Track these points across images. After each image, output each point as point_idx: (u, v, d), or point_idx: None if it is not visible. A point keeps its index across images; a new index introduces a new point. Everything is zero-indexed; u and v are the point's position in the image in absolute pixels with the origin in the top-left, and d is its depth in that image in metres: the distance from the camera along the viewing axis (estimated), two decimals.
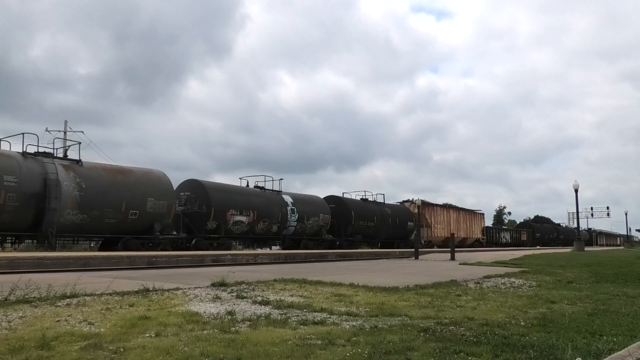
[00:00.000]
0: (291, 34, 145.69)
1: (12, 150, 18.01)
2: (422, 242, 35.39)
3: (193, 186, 23.68)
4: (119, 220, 19.48)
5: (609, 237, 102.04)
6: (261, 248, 27.24)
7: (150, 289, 6.72)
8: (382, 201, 35.88)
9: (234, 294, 6.70)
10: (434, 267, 15.06)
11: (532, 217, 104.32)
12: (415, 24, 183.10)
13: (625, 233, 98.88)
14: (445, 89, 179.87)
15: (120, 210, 19.47)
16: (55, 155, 19.20)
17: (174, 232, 22.59)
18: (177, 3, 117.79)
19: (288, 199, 27.63)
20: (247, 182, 27.56)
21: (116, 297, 6.00)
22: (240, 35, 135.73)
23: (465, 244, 44.74)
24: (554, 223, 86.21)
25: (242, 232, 24.92)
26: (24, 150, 18.03)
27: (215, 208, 23.15)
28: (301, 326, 4.62)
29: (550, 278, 11.12)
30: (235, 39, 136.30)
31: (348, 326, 4.68)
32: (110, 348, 3.63)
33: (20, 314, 4.83)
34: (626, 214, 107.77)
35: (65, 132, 41.09)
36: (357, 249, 29.50)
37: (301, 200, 28.63)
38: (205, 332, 4.25)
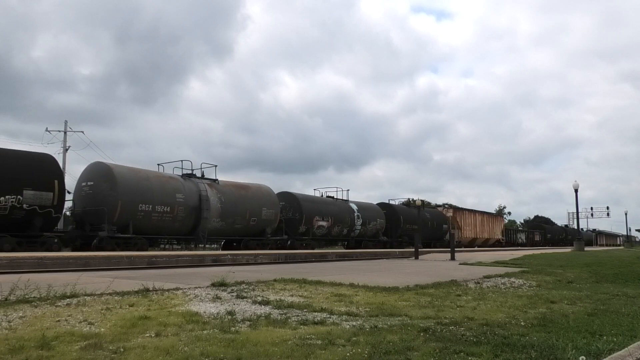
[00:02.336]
0: (292, 35, 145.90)
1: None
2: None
3: (287, 197, 28.82)
4: (243, 226, 24.61)
5: (609, 237, 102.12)
6: (332, 248, 32.14)
7: (150, 289, 6.72)
8: (422, 206, 40.54)
9: (234, 294, 6.70)
10: (434, 267, 15.06)
11: (532, 217, 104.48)
12: (415, 24, 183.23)
13: (625, 233, 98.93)
14: (445, 89, 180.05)
15: (245, 217, 24.56)
16: (202, 176, 24.09)
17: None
18: (179, 4, 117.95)
19: (354, 207, 32.94)
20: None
21: (116, 297, 6.00)
22: (242, 36, 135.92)
23: (488, 244, 49.80)
24: (558, 224, 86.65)
25: (322, 234, 30.11)
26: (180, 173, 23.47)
27: (305, 215, 28.45)
28: (301, 326, 4.62)
29: (550, 278, 11.11)
30: (237, 39, 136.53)
31: (348, 326, 4.68)
32: (110, 348, 3.63)
33: (20, 314, 4.83)
34: (626, 214, 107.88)
35: (65, 132, 41.12)
36: (404, 248, 33.00)
37: (363, 208, 33.83)
38: (205, 332, 4.25)
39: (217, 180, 24.35)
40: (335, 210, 31.09)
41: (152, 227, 20.68)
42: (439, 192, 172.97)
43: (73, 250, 18.42)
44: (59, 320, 4.60)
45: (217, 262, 16.55)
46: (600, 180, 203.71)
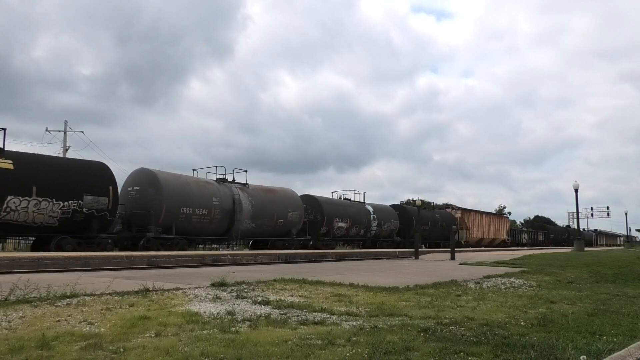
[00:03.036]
0: (292, 35, 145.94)
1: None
2: (462, 242, 43.99)
3: (309, 200, 30.29)
4: (271, 227, 26.14)
5: (610, 237, 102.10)
6: (350, 247, 33.40)
7: (150, 289, 6.72)
8: (432, 208, 44.23)
9: (234, 294, 6.69)
10: (434, 267, 15.05)
11: (532, 217, 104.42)
12: (415, 24, 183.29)
13: (625, 233, 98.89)
14: (445, 89, 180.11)
15: (273, 219, 26.06)
16: (232, 180, 25.63)
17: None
18: (179, 4, 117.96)
19: (370, 209, 34.57)
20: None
21: (116, 297, 5.99)
22: (242, 36, 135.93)
23: (494, 243, 51.51)
24: (558, 224, 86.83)
25: (342, 235, 31.91)
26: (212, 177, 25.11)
27: (327, 217, 30.16)
28: (301, 326, 4.62)
29: (550, 278, 11.11)
30: (237, 39, 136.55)
31: (348, 326, 4.68)
32: (110, 348, 3.63)
33: (20, 314, 4.82)
34: (626, 214, 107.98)
35: (65, 132, 41.13)
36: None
37: (379, 209, 35.60)
38: (205, 332, 4.25)
39: (247, 184, 26.03)
40: (353, 212, 32.82)
41: (191, 228, 22.24)
42: (439, 192, 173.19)
43: (121, 250, 19.63)
44: (59, 320, 4.59)
45: (217, 262, 16.54)
46: (600, 180, 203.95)
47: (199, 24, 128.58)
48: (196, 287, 7.31)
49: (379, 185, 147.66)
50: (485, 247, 47.70)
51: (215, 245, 25.94)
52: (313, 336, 4.16)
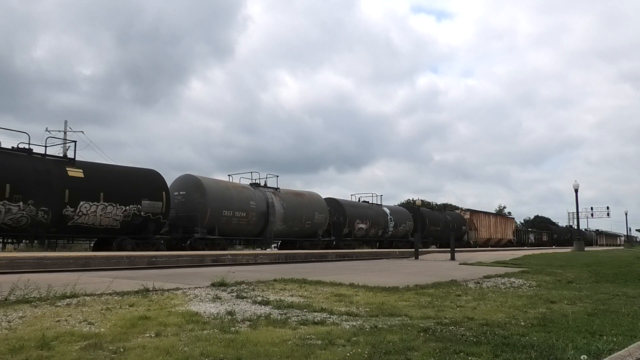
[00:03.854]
0: (292, 35, 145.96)
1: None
2: (471, 242, 46.70)
3: (333, 203, 31.98)
4: (300, 229, 28.11)
5: (610, 237, 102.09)
6: (369, 247, 34.40)
7: (150, 289, 6.72)
8: (444, 209, 45.78)
9: (234, 294, 6.69)
10: (434, 267, 15.05)
11: (532, 217, 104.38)
12: (415, 24, 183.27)
13: (625, 233, 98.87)
14: (445, 89, 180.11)
15: (302, 221, 28.05)
16: (264, 185, 27.34)
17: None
18: (180, 4, 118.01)
19: (387, 210, 36.36)
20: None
21: (116, 297, 5.99)
22: (242, 36, 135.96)
23: (501, 244, 53.14)
24: (558, 225, 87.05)
25: (362, 235, 33.68)
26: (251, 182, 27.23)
27: (349, 219, 31.92)
28: (301, 326, 4.62)
29: (550, 278, 11.11)
30: (237, 39, 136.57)
31: (348, 326, 4.67)
32: (110, 348, 3.63)
33: (20, 314, 4.82)
34: (626, 214, 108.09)
35: (65, 132, 41.13)
36: (429, 248, 36.89)
37: (394, 211, 37.64)
38: (205, 332, 4.25)
39: (278, 188, 27.97)
40: (372, 214, 34.72)
41: (231, 229, 24.32)
42: (439, 192, 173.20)
43: (169, 249, 21.15)
44: (59, 320, 4.59)
45: (217, 262, 16.53)
46: (600, 180, 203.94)
47: (199, 24, 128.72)
48: (196, 287, 7.31)
49: (379, 185, 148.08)
50: (492, 247, 48.75)
51: (252, 246, 27.78)
52: (313, 336, 4.16)
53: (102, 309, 5.19)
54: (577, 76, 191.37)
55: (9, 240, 18.64)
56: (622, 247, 66.78)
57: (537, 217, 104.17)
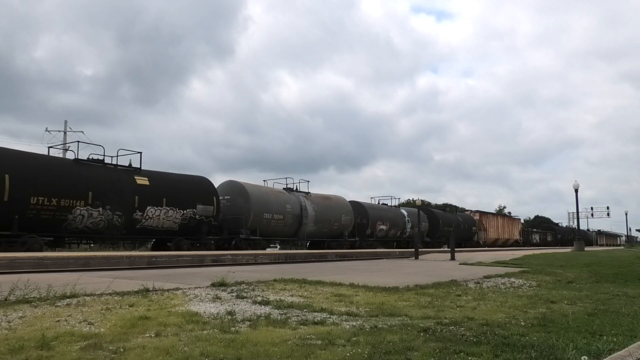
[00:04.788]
0: (292, 35, 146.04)
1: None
2: (480, 242, 48.97)
3: (356, 206, 34.13)
4: (329, 230, 30.56)
5: (610, 237, 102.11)
6: (389, 247, 35.74)
7: (150, 289, 6.71)
8: (455, 211, 48.35)
9: (234, 294, 6.69)
10: (434, 267, 15.05)
11: (532, 217, 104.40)
12: (415, 24, 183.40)
13: (626, 233, 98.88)
14: (445, 89, 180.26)
15: (330, 222, 30.48)
16: (296, 189, 29.48)
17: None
18: (180, 4, 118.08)
19: (404, 212, 38.98)
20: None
21: (116, 297, 5.99)
22: (243, 36, 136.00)
23: (508, 243, 55.33)
24: (559, 225, 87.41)
25: (382, 236, 36.23)
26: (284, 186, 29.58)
27: (371, 220, 34.43)
28: (301, 326, 4.62)
29: (550, 278, 11.10)
30: (238, 39, 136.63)
31: (348, 326, 4.67)
32: (110, 348, 3.63)
33: (20, 314, 4.82)
34: (626, 214, 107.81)
35: (65, 132, 41.15)
36: (442, 247, 38.40)
37: (411, 213, 39.43)
38: (205, 332, 4.25)
39: (309, 192, 30.25)
40: (392, 215, 37.28)
41: (270, 231, 26.61)
42: (439, 192, 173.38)
43: (217, 249, 22.87)
44: (58, 321, 4.59)
45: (217, 262, 16.51)
46: (600, 180, 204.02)
47: (200, 25, 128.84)
48: (196, 287, 7.31)
49: (379, 185, 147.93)
50: (499, 246, 50.36)
51: (287, 246, 30.43)
52: (313, 336, 4.16)
53: (102, 309, 5.19)
54: (577, 76, 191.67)
55: (86, 242, 21.03)
56: (622, 247, 66.77)
57: (537, 217, 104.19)
